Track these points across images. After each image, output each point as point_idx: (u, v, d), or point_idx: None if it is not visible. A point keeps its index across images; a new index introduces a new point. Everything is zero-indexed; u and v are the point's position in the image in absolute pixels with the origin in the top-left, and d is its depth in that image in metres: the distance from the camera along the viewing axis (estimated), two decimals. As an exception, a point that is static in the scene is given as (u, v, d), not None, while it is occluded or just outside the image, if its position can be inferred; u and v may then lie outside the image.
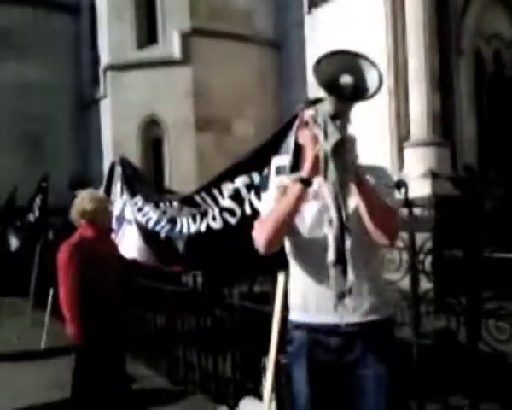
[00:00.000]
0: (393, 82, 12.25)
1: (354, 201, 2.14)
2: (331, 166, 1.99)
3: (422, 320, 3.38)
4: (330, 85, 1.99)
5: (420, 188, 10.53)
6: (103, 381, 3.91)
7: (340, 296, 1.97)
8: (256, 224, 2.37)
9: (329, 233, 2.01)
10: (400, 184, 3.09)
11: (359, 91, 2.02)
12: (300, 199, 2.20)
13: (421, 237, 3.56)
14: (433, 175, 10.80)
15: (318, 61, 1.99)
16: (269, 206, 2.37)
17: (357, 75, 2.01)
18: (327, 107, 2.04)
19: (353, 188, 2.08)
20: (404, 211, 3.36)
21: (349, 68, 2.01)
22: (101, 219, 4.11)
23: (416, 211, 4.24)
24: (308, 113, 2.16)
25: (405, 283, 3.43)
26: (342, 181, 1.99)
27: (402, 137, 12.28)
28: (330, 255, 1.98)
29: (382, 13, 12.44)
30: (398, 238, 2.30)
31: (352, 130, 2.31)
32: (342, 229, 1.98)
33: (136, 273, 6.02)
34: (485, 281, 3.36)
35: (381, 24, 12.44)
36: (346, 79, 2.01)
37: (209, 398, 5.12)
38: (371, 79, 2.01)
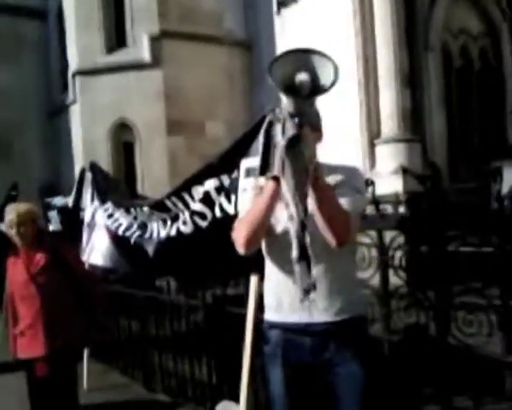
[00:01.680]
0: (363, 79, 12.33)
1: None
2: (287, 162, 1.98)
3: (393, 317, 3.41)
4: (286, 85, 2.00)
5: (392, 184, 10.63)
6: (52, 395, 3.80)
7: (306, 292, 1.94)
8: (235, 225, 2.36)
9: (291, 229, 1.99)
10: (368, 183, 3.12)
11: (316, 87, 2.02)
12: (274, 197, 2.18)
13: (391, 234, 3.59)
14: (404, 171, 10.91)
15: (272, 64, 2.00)
16: (247, 207, 2.36)
17: (313, 71, 2.01)
18: (287, 106, 2.04)
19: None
20: (372, 209, 3.39)
21: (304, 66, 2.01)
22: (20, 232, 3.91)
23: (388, 208, 4.28)
24: (273, 112, 2.16)
25: (376, 279, 3.45)
26: (299, 178, 1.97)
27: (373, 134, 12.34)
28: (294, 251, 1.95)
29: (350, 10, 12.50)
30: (348, 241, 2.22)
31: (323, 130, 2.32)
32: (302, 225, 1.95)
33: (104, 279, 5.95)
34: (454, 275, 3.39)
35: (350, 21, 12.50)
36: (302, 77, 2.01)
37: (186, 404, 5.08)
38: (327, 74, 2.02)
